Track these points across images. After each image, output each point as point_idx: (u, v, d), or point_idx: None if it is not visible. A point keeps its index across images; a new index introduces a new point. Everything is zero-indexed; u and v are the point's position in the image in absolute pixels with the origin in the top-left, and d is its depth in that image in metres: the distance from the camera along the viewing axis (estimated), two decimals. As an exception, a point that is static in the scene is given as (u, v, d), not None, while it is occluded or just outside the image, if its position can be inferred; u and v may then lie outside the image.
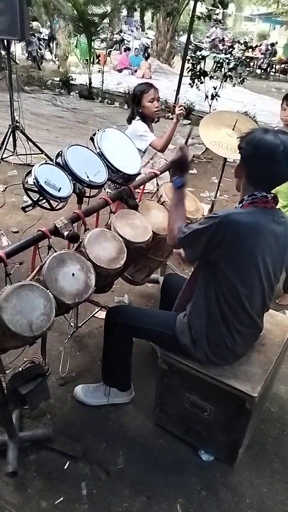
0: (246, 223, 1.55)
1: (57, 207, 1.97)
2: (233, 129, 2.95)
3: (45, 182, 1.81)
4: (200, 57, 8.08)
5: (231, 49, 9.15)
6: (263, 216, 1.58)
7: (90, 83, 10.02)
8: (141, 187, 2.45)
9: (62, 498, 1.79)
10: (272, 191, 1.63)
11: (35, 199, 1.87)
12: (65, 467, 1.91)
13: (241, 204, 1.65)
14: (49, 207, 1.94)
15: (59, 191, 1.85)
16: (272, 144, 1.49)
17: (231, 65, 7.93)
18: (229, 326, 1.73)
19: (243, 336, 1.78)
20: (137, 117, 3.11)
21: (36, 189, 1.82)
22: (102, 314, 2.79)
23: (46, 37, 15.21)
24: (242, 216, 1.56)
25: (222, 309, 1.70)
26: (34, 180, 1.80)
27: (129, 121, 3.19)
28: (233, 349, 1.80)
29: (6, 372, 2.05)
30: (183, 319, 1.86)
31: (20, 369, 2.21)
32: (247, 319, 1.75)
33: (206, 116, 3.31)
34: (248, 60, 9.45)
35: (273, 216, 1.61)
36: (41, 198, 1.87)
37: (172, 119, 3.16)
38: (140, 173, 2.32)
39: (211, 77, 8.12)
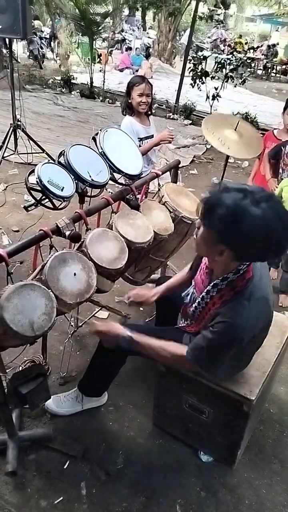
0: (259, 321, 1.55)
1: (60, 207, 1.97)
2: (235, 130, 2.95)
3: (48, 181, 1.81)
4: (201, 57, 8.08)
5: (233, 50, 9.16)
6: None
7: (92, 82, 10.01)
8: (143, 187, 2.45)
9: (61, 498, 1.80)
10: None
11: (38, 198, 1.87)
12: (65, 467, 1.91)
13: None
14: (51, 206, 1.94)
15: (62, 190, 1.85)
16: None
17: (233, 66, 7.95)
18: (240, 362, 1.73)
19: (251, 360, 1.78)
20: (127, 111, 3.13)
21: (39, 188, 1.82)
22: (102, 314, 2.80)
23: (48, 36, 15.18)
24: (249, 320, 1.45)
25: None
26: (37, 179, 1.80)
27: (123, 111, 3.22)
28: (240, 370, 1.78)
29: (7, 371, 2.05)
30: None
31: (21, 368, 2.21)
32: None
33: (208, 115, 3.30)
34: (249, 61, 9.43)
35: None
36: (44, 197, 1.87)
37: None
38: (142, 174, 2.32)
39: (212, 78, 8.13)
